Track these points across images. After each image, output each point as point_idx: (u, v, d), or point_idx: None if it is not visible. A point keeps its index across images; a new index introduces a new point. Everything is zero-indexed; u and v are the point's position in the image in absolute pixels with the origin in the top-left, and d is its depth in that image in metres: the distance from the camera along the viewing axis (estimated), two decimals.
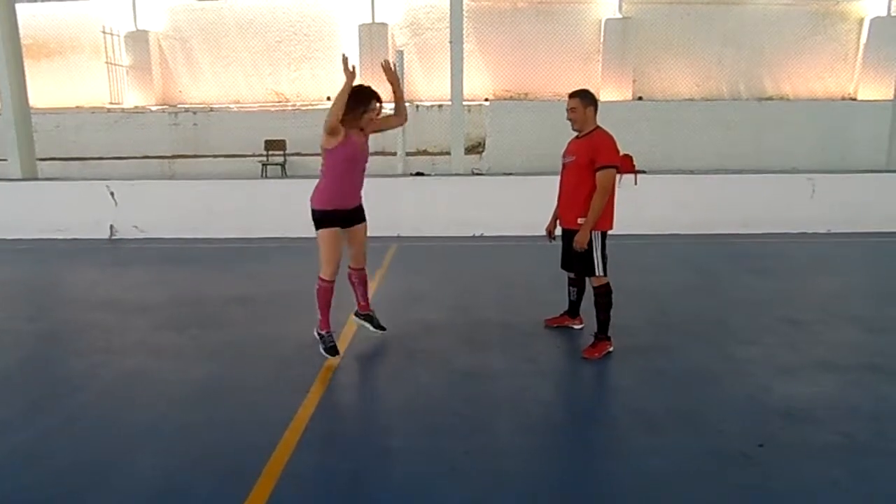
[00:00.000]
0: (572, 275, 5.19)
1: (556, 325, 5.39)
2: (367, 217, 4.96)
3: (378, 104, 4.59)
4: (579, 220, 4.72)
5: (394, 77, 4.79)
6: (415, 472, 3.24)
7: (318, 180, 4.70)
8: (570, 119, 4.81)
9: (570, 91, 4.86)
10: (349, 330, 5.30)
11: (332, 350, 4.70)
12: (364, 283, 5.06)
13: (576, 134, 4.88)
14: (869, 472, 3.19)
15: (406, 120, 5.00)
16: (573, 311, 5.34)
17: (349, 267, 4.97)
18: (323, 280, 4.66)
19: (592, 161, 4.64)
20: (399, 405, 4.05)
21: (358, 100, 4.48)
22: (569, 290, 5.31)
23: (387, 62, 4.80)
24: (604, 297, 4.76)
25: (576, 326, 5.33)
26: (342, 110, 4.32)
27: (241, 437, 3.61)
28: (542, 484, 3.13)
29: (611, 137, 4.75)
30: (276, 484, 3.10)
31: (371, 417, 3.91)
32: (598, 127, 4.80)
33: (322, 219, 4.59)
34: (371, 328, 5.13)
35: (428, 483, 3.14)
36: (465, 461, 3.32)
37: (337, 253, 4.66)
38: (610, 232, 4.82)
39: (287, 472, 3.22)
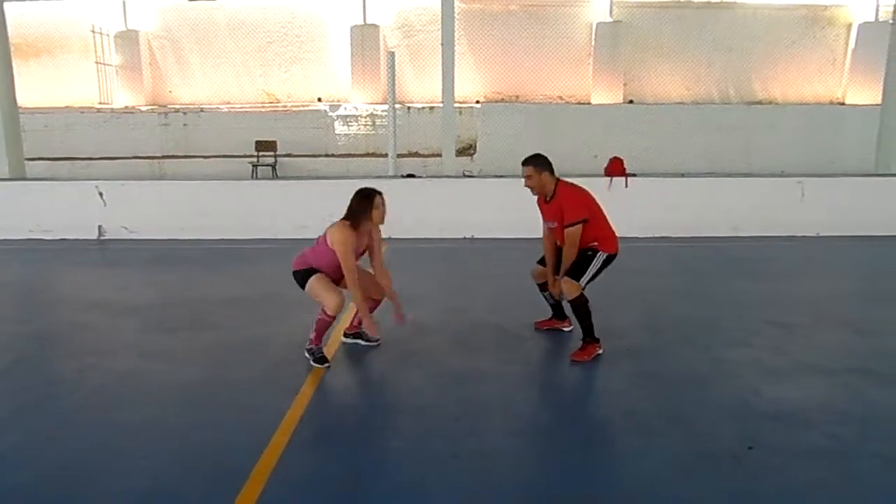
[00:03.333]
0: (536, 280, 5.23)
1: (545, 328, 5.39)
2: None
3: (381, 199, 4.66)
4: (589, 245, 4.76)
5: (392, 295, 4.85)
6: (406, 473, 3.24)
7: (305, 248, 4.72)
8: (527, 186, 4.86)
9: (524, 159, 4.89)
10: (340, 329, 5.28)
11: (322, 360, 4.67)
12: (374, 308, 4.93)
13: (540, 195, 4.93)
14: (857, 475, 3.21)
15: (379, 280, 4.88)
16: (559, 313, 5.34)
17: (370, 298, 4.80)
18: (327, 315, 4.59)
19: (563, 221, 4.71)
20: (390, 406, 4.04)
21: (364, 200, 4.60)
22: (542, 295, 5.32)
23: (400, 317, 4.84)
24: (580, 308, 4.73)
25: (565, 328, 5.33)
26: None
27: (232, 437, 3.59)
28: (533, 486, 3.14)
29: (573, 191, 4.79)
30: (265, 485, 3.09)
31: (362, 419, 3.90)
32: (558, 183, 4.83)
33: (304, 276, 4.58)
34: (363, 343, 5.04)
35: (419, 484, 3.13)
36: (456, 463, 3.32)
37: (333, 290, 4.57)
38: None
39: (277, 473, 3.20)
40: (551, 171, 4.83)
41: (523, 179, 4.86)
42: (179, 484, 3.14)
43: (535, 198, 5.05)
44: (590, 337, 4.77)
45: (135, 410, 3.96)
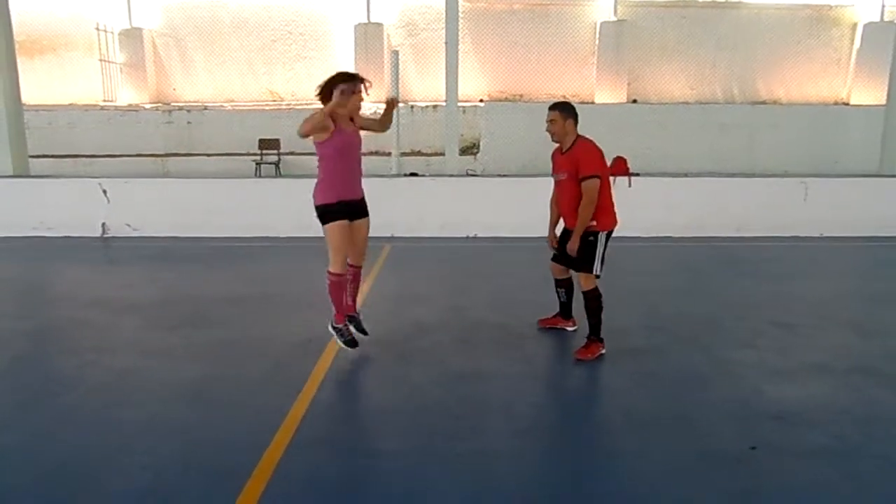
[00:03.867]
0: (556, 276, 5.19)
1: (548, 327, 5.39)
2: None
3: (354, 84, 4.57)
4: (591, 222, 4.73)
5: (393, 105, 4.94)
6: (407, 473, 3.23)
7: (316, 179, 4.68)
8: (549, 132, 4.81)
9: (552, 103, 4.86)
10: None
11: (352, 343, 4.69)
12: (357, 282, 5.01)
13: (557, 146, 4.89)
14: (860, 475, 3.20)
15: (386, 129, 4.99)
16: (566, 312, 5.33)
17: (347, 263, 4.91)
18: (333, 274, 4.62)
19: (578, 173, 4.67)
20: (392, 406, 4.03)
21: (345, 81, 4.52)
22: (557, 291, 5.30)
23: (394, 99, 4.97)
24: (593, 301, 4.75)
25: (569, 328, 5.33)
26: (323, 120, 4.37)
27: (233, 437, 3.59)
28: (535, 486, 3.13)
29: (592, 146, 4.75)
30: (267, 484, 3.09)
31: (363, 418, 3.90)
32: (578, 137, 4.79)
33: (326, 212, 4.55)
34: (354, 331, 4.99)
35: (420, 484, 3.13)
36: (458, 462, 3.31)
37: (346, 244, 4.61)
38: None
39: (278, 472, 3.20)
40: (576, 122, 4.77)
41: (546, 124, 4.79)
42: (180, 482, 3.14)
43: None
44: (595, 335, 4.77)
45: (135, 408, 3.96)
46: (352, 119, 4.66)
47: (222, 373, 4.52)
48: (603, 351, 4.76)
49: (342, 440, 3.62)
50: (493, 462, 3.33)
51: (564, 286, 5.22)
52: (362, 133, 4.82)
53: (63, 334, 5.50)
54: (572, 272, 5.00)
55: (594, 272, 4.73)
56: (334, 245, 4.58)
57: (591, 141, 4.78)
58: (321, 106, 4.47)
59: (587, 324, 4.83)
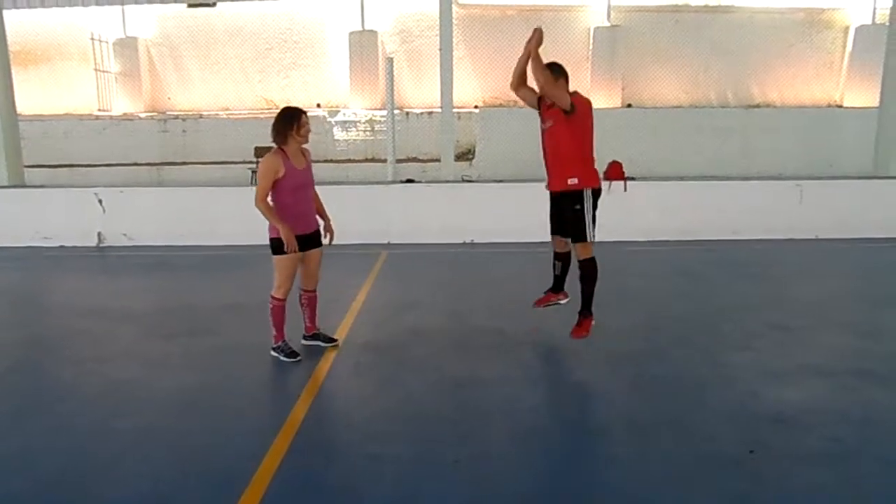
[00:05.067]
0: (558, 249, 5.19)
1: (543, 305, 5.40)
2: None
3: (307, 117, 4.72)
4: (569, 181, 4.76)
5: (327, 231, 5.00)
6: (404, 479, 3.22)
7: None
8: (540, 86, 4.82)
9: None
10: (340, 336, 5.27)
11: (293, 354, 4.80)
12: (313, 306, 5.09)
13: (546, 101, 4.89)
14: (858, 478, 3.20)
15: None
16: (558, 285, 5.34)
17: (301, 289, 4.99)
18: (276, 299, 4.77)
19: (565, 111, 4.67)
20: (389, 412, 4.03)
21: (288, 118, 4.64)
22: (554, 263, 5.29)
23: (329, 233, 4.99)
24: (589, 269, 4.81)
25: (562, 301, 5.35)
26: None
27: (231, 444, 3.58)
28: (533, 492, 3.12)
29: (587, 100, 4.81)
30: (265, 491, 3.08)
31: (361, 424, 3.89)
32: (573, 93, 4.80)
33: (278, 245, 4.65)
34: (323, 344, 5.08)
35: (418, 490, 3.12)
36: (455, 468, 3.31)
37: (292, 275, 4.79)
38: (599, 239, 4.84)
39: (277, 479, 3.19)
40: (566, 80, 4.81)
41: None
42: (179, 490, 3.13)
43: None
44: (587, 308, 4.84)
45: (133, 416, 3.94)
46: (303, 151, 4.77)
47: (220, 380, 4.52)
48: (594, 322, 4.85)
49: (340, 446, 3.62)
50: (491, 467, 3.32)
51: (562, 259, 5.22)
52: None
53: (60, 344, 5.48)
54: (570, 245, 5.01)
55: (589, 239, 4.76)
56: (282, 275, 4.74)
57: (584, 97, 4.84)
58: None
59: (580, 298, 4.87)
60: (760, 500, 3.03)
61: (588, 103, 4.83)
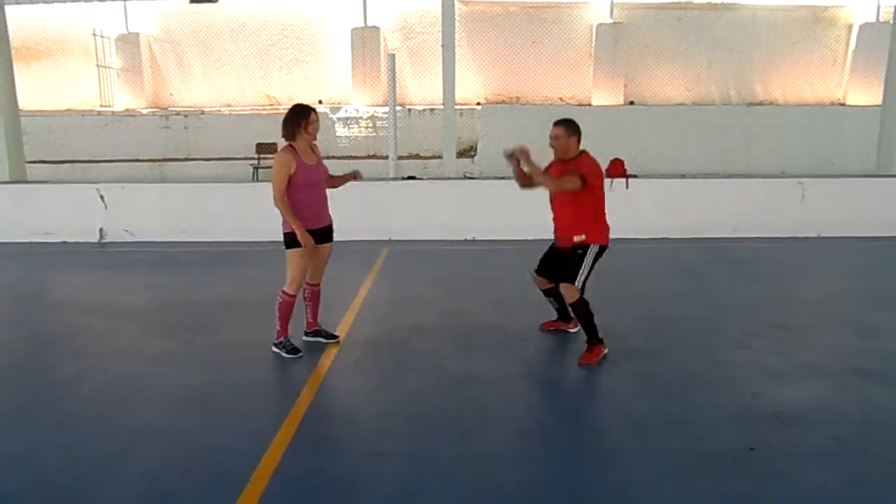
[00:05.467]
0: (540, 287, 5.20)
1: (551, 329, 5.39)
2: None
3: (316, 114, 4.74)
4: (576, 239, 4.75)
5: (354, 178, 5.05)
6: (405, 476, 3.23)
7: None
8: (552, 146, 4.85)
9: (557, 119, 4.87)
10: (341, 332, 5.28)
11: (294, 350, 4.81)
12: (317, 300, 5.10)
13: (557, 157, 4.90)
14: (858, 476, 3.21)
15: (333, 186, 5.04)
16: (564, 315, 5.33)
17: (305, 283, 4.99)
18: (287, 294, 4.77)
19: (574, 173, 4.67)
20: (390, 409, 4.03)
21: (298, 115, 4.66)
22: (548, 300, 5.31)
23: (356, 174, 5.06)
24: (579, 309, 4.74)
25: (571, 330, 5.33)
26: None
27: (231, 441, 3.59)
28: (533, 489, 3.13)
29: (594, 161, 4.78)
30: (265, 488, 3.09)
31: (361, 421, 3.90)
32: (583, 153, 4.82)
33: (291, 240, 4.68)
34: (324, 341, 5.09)
35: (418, 488, 3.13)
36: (455, 466, 3.31)
37: (305, 271, 4.79)
38: None
39: (277, 476, 3.20)
40: (579, 140, 4.82)
41: (550, 139, 4.83)
42: (179, 487, 3.14)
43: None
44: (594, 339, 4.77)
45: (134, 413, 3.95)
46: (313, 147, 4.77)
47: (221, 377, 4.52)
48: (605, 351, 4.77)
49: (341, 444, 3.63)
50: (492, 465, 3.33)
51: (552, 294, 5.22)
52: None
53: (61, 340, 5.49)
54: (560, 284, 4.96)
55: (576, 283, 4.71)
56: (294, 270, 4.74)
57: (594, 159, 4.82)
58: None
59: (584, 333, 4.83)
60: (760, 498, 3.03)
61: (597, 167, 4.77)
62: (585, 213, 4.75)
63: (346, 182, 4.99)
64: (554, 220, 5.00)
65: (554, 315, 5.39)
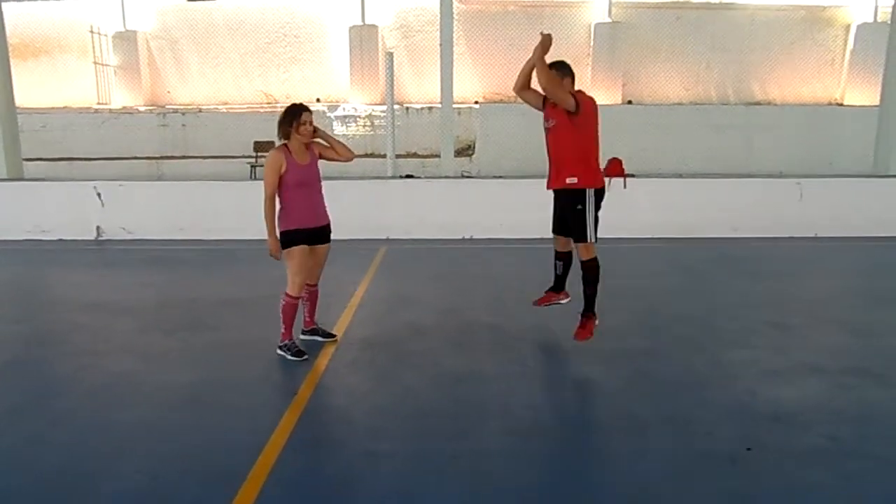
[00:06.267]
0: (559, 248, 5.16)
1: (544, 304, 5.38)
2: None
3: (308, 115, 4.67)
4: (567, 181, 4.74)
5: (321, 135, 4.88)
6: (402, 475, 3.23)
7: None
8: (546, 90, 4.78)
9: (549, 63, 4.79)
10: (338, 331, 5.27)
11: (300, 353, 4.76)
12: (314, 300, 5.09)
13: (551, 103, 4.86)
14: (855, 476, 3.21)
15: (349, 159, 4.94)
16: (559, 285, 5.32)
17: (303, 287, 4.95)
18: (290, 296, 4.73)
19: (569, 112, 4.64)
20: (387, 408, 4.03)
21: (289, 115, 4.63)
22: (555, 263, 5.26)
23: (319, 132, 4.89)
24: (592, 271, 4.77)
25: (563, 301, 5.32)
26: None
27: (228, 439, 3.58)
28: (531, 488, 3.13)
29: (592, 99, 4.78)
30: (262, 487, 3.08)
31: (359, 420, 3.89)
32: (578, 92, 4.78)
33: (289, 239, 4.65)
34: (321, 339, 5.08)
35: (415, 486, 3.12)
36: (452, 465, 3.31)
37: (305, 269, 4.75)
38: (600, 235, 4.83)
39: (274, 474, 3.19)
40: (573, 80, 4.80)
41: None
42: (176, 485, 3.13)
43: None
44: (590, 310, 4.81)
45: (132, 411, 3.94)
46: (307, 147, 4.72)
47: (218, 375, 4.51)
48: (597, 322, 4.81)
49: (338, 442, 3.62)
50: (489, 463, 3.32)
51: (563, 259, 5.19)
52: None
53: (59, 338, 5.47)
54: (572, 245, 4.98)
55: (590, 240, 4.74)
56: (293, 269, 4.70)
57: (589, 96, 4.81)
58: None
59: (583, 299, 4.84)
60: (757, 497, 3.03)
61: (593, 103, 4.80)
62: (578, 154, 4.73)
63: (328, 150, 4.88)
64: (549, 159, 4.96)
65: (549, 312, 5.38)
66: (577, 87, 4.82)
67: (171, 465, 3.31)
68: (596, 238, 4.77)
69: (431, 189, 10.07)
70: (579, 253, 4.85)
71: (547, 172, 4.99)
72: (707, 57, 17.55)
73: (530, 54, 4.80)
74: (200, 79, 17.87)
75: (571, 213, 4.78)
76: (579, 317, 4.88)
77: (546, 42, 4.73)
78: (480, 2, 17.21)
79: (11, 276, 7.89)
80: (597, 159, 4.86)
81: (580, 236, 4.78)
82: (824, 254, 8.92)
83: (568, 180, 4.74)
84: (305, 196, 4.71)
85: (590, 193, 4.74)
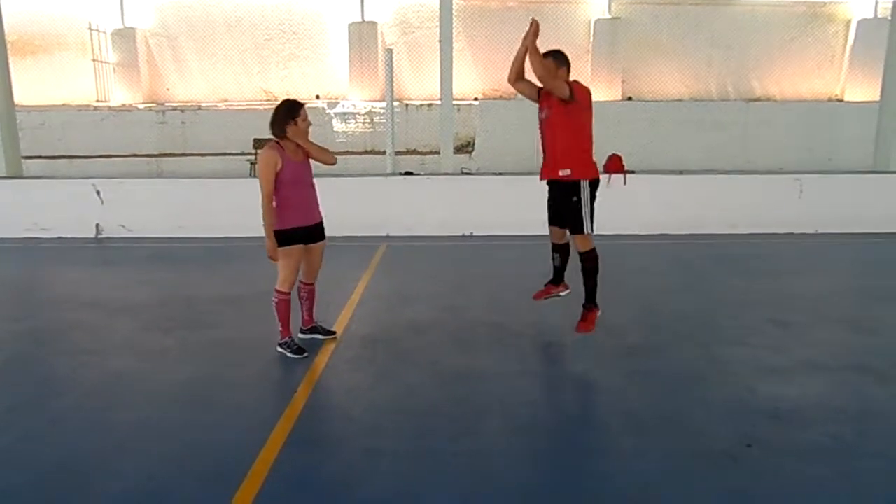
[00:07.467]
0: (555, 240, 5.15)
1: (543, 297, 5.36)
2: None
3: (304, 110, 4.68)
4: (560, 172, 4.73)
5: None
6: (402, 473, 3.22)
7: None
8: (539, 77, 4.76)
9: (544, 52, 4.80)
10: (338, 329, 5.26)
11: (300, 350, 4.76)
12: (312, 299, 5.07)
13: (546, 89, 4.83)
14: (855, 473, 3.20)
15: (331, 164, 4.89)
16: (558, 277, 5.30)
17: (300, 282, 4.96)
18: (281, 293, 4.74)
19: (564, 100, 4.62)
20: (387, 406, 4.02)
21: (289, 111, 4.61)
22: (553, 255, 5.25)
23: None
24: (590, 262, 4.77)
25: (562, 293, 5.30)
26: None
27: (228, 437, 3.58)
28: (530, 486, 3.12)
29: (587, 89, 4.75)
30: (262, 484, 3.08)
31: (358, 418, 3.88)
32: (574, 82, 4.74)
33: (283, 238, 4.64)
34: (321, 337, 5.08)
35: (415, 484, 3.12)
36: (452, 462, 3.30)
37: (297, 268, 4.77)
38: (598, 232, 4.82)
39: (274, 472, 3.19)
40: (568, 70, 4.78)
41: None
42: (175, 483, 3.13)
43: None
44: (591, 302, 4.82)
45: (131, 410, 3.94)
46: (297, 144, 4.69)
47: (217, 374, 4.51)
48: (599, 313, 4.81)
49: (337, 440, 3.61)
50: (489, 462, 3.32)
51: (560, 250, 5.18)
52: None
53: (57, 336, 5.47)
54: (569, 237, 4.97)
55: (586, 231, 4.73)
56: (289, 268, 4.71)
57: (584, 85, 4.79)
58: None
59: (584, 291, 4.84)
60: (757, 495, 3.03)
61: (587, 92, 4.78)
62: (572, 145, 4.71)
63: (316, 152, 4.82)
64: (543, 150, 4.94)
65: (549, 307, 5.37)
66: (572, 79, 4.79)
67: (170, 463, 3.31)
68: (593, 229, 4.76)
69: (431, 186, 10.06)
70: (577, 245, 4.85)
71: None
72: (707, 53, 17.55)
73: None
74: (200, 76, 17.86)
75: (566, 206, 4.77)
76: (581, 310, 4.87)
77: (535, 29, 4.70)
78: None
79: (10, 274, 7.88)
80: (591, 150, 4.84)
81: (577, 228, 4.78)
82: (824, 250, 8.91)
83: (561, 172, 4.73)
84: (300, 193, 4.70)
85: (584, 185, 4.73)
